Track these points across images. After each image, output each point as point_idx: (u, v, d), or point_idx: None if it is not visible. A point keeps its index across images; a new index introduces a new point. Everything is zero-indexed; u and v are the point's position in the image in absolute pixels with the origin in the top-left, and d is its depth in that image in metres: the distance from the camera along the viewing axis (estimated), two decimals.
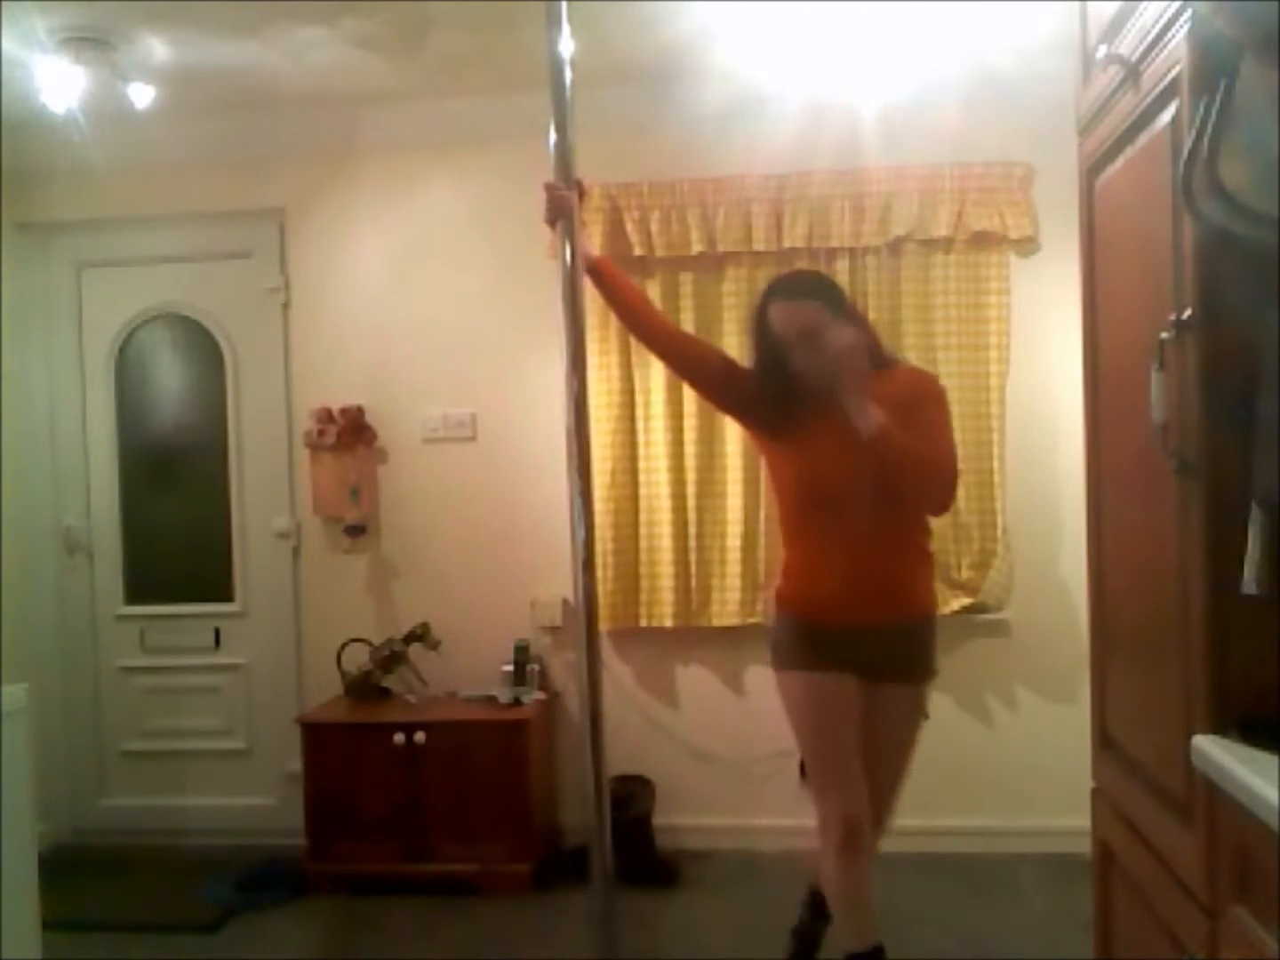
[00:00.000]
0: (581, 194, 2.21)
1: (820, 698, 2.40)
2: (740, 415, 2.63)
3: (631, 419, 3.82)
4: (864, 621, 2.40)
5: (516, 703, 3.71)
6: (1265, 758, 1.28)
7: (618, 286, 2.46)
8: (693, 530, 3.79)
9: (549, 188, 2.17)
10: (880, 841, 2.51)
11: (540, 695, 3.80)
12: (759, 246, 3.73)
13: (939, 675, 2.57)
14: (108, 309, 4.21)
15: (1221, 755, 1.33)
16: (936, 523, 3.66)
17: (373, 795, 3.62)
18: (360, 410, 3.98)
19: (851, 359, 2.29)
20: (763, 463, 2.71)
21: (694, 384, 2.69)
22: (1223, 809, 1.35)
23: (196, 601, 4.19)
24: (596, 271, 2.40)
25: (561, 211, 2.14)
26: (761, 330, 2.43)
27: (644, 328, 2.53)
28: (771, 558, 3.78)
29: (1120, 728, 1.89)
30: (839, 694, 2.39)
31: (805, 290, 2.44)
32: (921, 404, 2.41)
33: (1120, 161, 1.79)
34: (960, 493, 3.66)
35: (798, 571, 2.50)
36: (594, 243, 3.74)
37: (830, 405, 2.33)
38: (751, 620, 3.78)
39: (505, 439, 3.96)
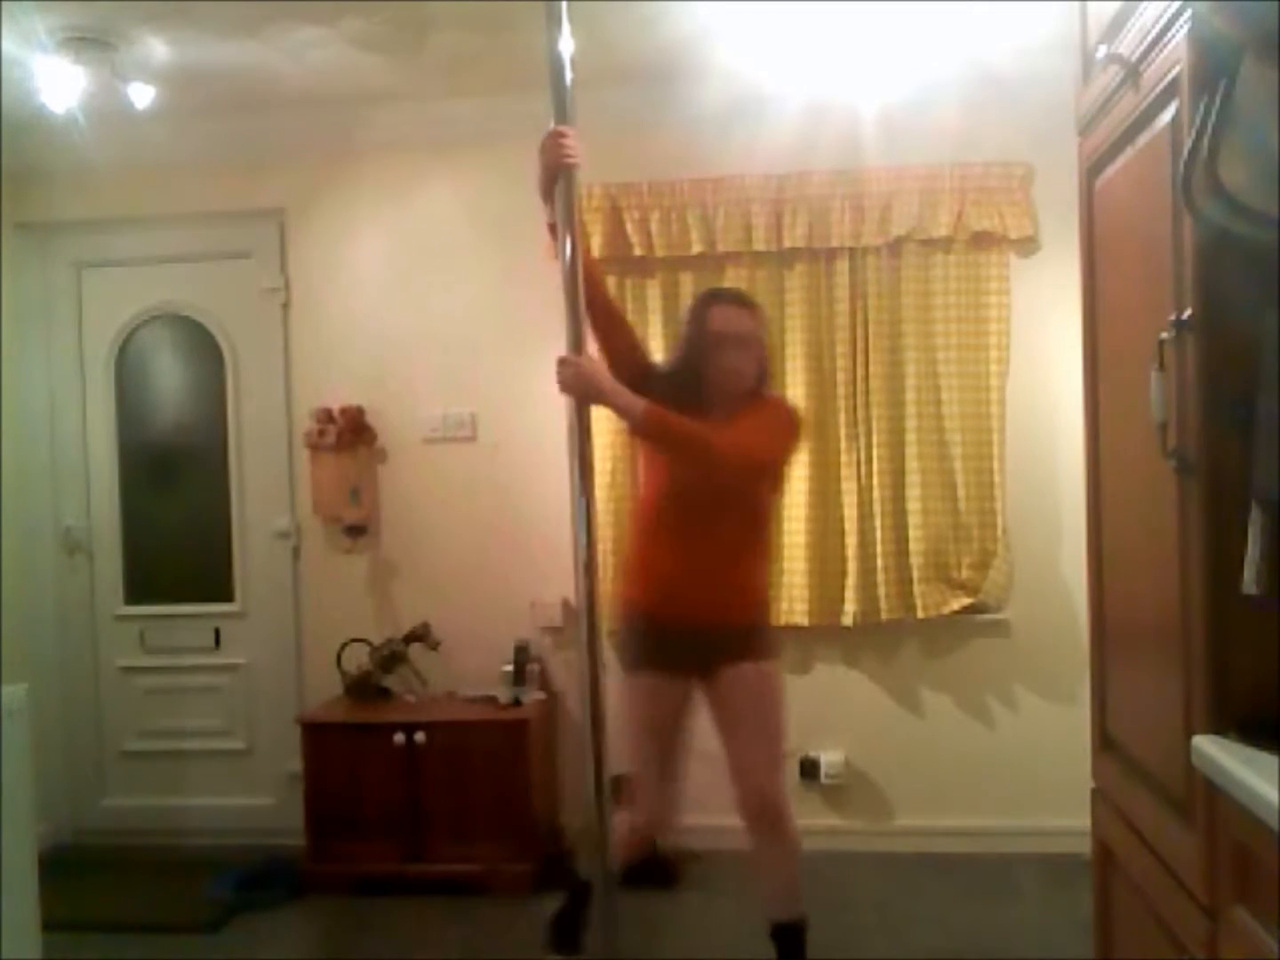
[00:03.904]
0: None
1: (651, 708, 2.58)
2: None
3: None
4: (704, 622, 2.53)
5: (516, 703, 3.71)
6: (1265, 758, 1.28)
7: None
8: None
9: (556, 134, 2.11)
10: (769, 815, 2.58)
11: (540, 695, 3.80)
12: (759, 246, 3.73)
13: (778, 656, 2.70)
14: (108, 309, 4.21)
15: (1221, 755, 1.33)
16: (937, 522, 3.71)
17: (373, 795, 3.62)
18: (360, 410, 3.98)
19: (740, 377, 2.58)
20: (640, 458, 2.85)
21: (611, 357, 2.64)
22: (1223, 809, 1.35)
23: (196, 601, 4.19)
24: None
25: (563, 162, 2.09)
26: (698, 325, 2.62)
27: (592, 291, 2.41)
28: (772, 558, 3.78)
29: (1120, 728, 1.89)
30: (671, 702, 2.58)
31: (741, 300, 2.69)
32: (751, 415, 2.57)
33: (1120, 161, 1.79)
34: (960, 493, 3.71)
35: (641, 571, 2.66)
36: (595, 243, 3.74)
37: (719, 411, 2.55)
38: None
39: (505, 439, 3.96)
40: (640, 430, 2.46)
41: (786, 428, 2.63)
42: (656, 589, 2.59)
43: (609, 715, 2.18)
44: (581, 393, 2.13)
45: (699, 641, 2.53)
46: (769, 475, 2.64)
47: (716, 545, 2.54)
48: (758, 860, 2.60)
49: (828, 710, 3.84)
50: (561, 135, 2.14)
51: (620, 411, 2.41)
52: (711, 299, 2.68)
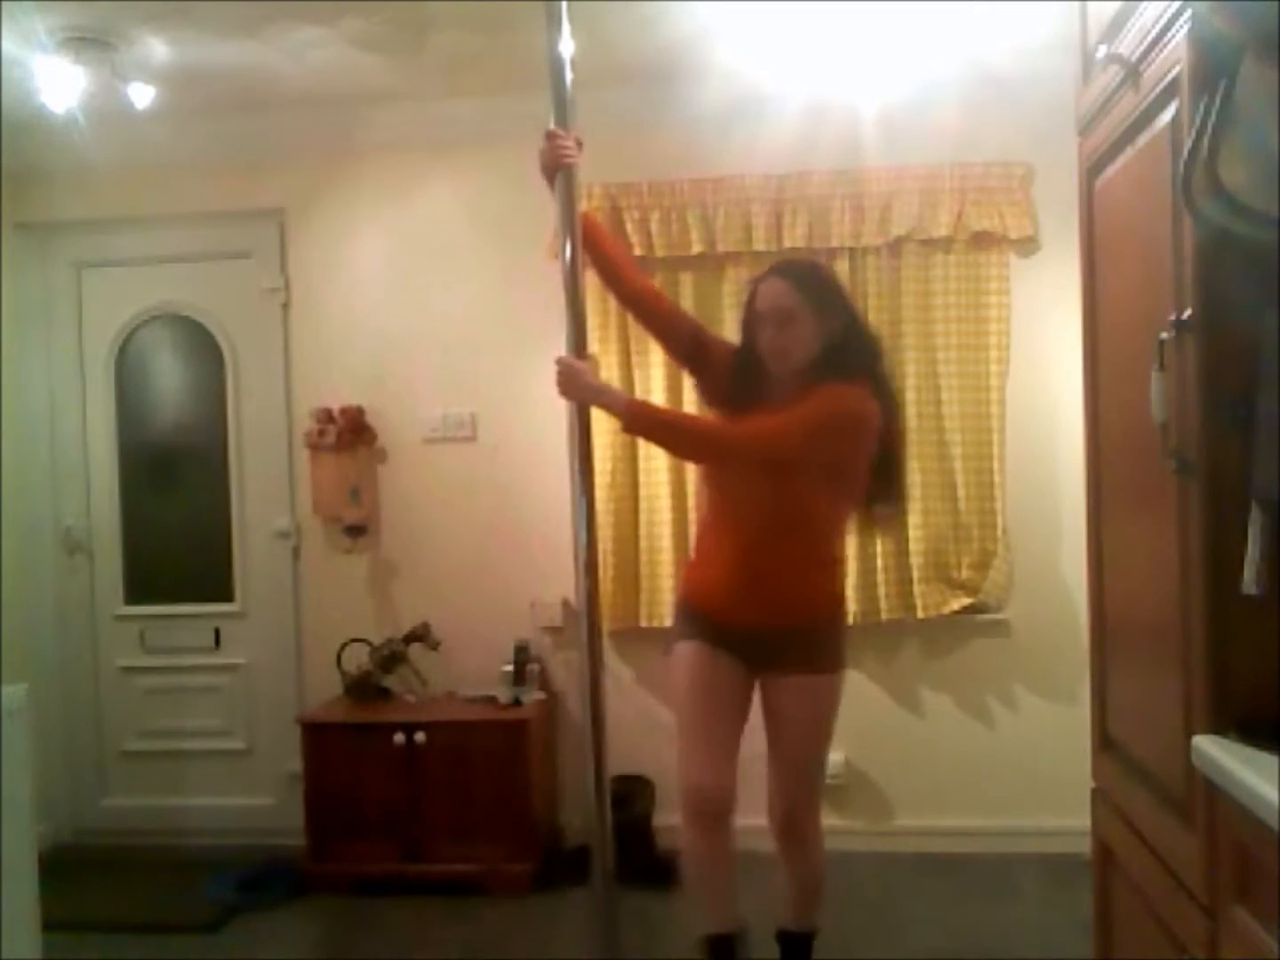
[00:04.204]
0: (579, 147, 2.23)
1: (699, 667, 2.42)
2: (700, 382, 2.63)
3: None
4: (751, 624, 2.40)
5: (516, 703, 3.71)
6: (1265, 758, 1.28)
7: (597, 242, 2.40)
8: (693, 530, 3.78)
9: (551, 135, 2.16)
10: (795, 831, 2.51)
11: (540, 695, 3.80)
12: (759, 246, 3.72)
13: (845, 669, 2.50)
14: (108, 309, 4.21)
15: (1221, 755, 1.33)
16: (937, 522, 3.71)
17: (373, 795, 3.62)
18: (360, 410, 3.98)
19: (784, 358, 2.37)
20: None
21: (662, 344, 2.66)
22: (1223, 809, 1.35)
23: (196, 601, 4.19)
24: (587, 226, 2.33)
25: (560, 162, 2.14)
26: (746, 303, 2.49)
27: (618, 283, 2.49)
28: None
29: (1120, 728, 1.89)
30: (719, 667, 2.41)
31: (789, 273, 2.43)
32: (799, 401, 2.34)
33: (1120, 161, 1.79)
34: (960, 493, 3.71)
35: (700, 564, 2.54)
36: None
37: (775, 396, 2.38)
38: None
39: (505, 439, 3.96)
40: (628, 428, 2.36)
41: (829, 419, 2.31)
42: (709, 591, 2.46)
43: (609, 715, 2.18)
44: (569, 392, 2.14)
45: (754, 643, 2.40)
46: (802, 470, 2.33)
47: (763, 547, 2.38)
48: (780, 867, 2.54)
49: None
50: (555, 136, 2.16)
51: (606, 410, 2.32)
52: (763, 273, 2.48)
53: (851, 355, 2.38)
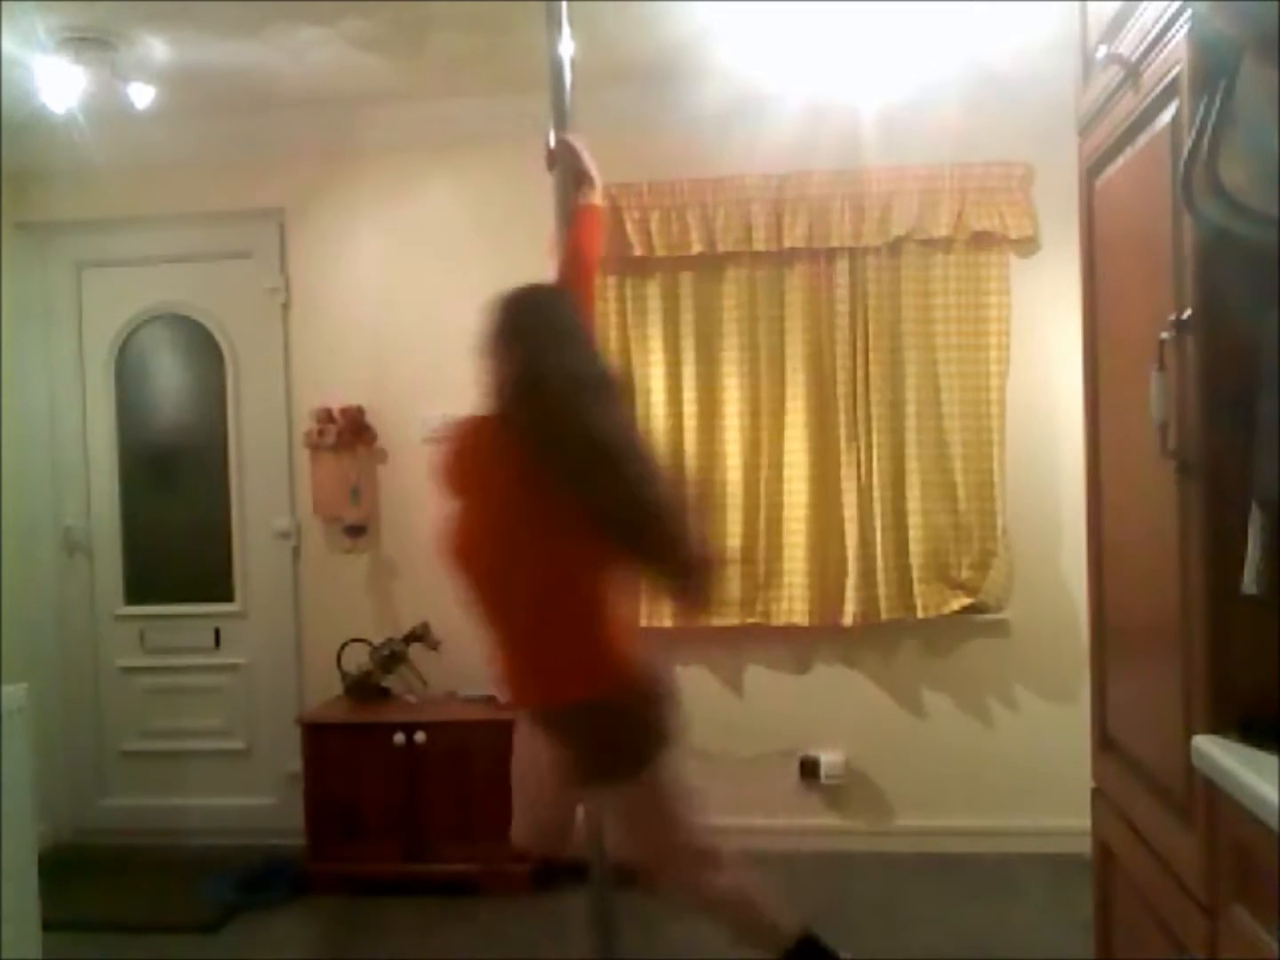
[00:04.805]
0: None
1: (520, 743, 2.37)
2: None
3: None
4: (520, 700, 2.25)
5: None
6: (1265, 758, 1.28)
7: (580, 239, 2.32)
8: None
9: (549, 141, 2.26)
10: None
11: None
12: (759, 246, 3.73)
13: (642, 773, 2.12)
14: (108, 309, 4.21)
15: (1221, 755, 1.33)
16: (936, 522, 3.71)
17: (373, 795, 3.62)
18: (360, 410, 3.98)
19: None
20: None
21: None
22: (1223, 809, 1.35)
23: (196, 601, 4.19)
24: (574, 217, 2.30)
25: (551, 158, 2.25)
26: None
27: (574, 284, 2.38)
28: (772, 558, 3.78)
29: (1120, 728, 1.89)
30: (533, 745, 2.28)
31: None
32: None
33: (1120, 161, 1.79)
34: (960, 493, 3.72)
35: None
36: None
37: None
38: (751, 620, 3.78)
39: None
40: None
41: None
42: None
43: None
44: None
45: (540, 723, 2.22)
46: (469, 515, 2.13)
47: (490, 608, 2.18)
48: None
49: (828, 710, 3.84)
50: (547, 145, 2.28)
51: None
52: None
53: (525, 396, 2.06)
